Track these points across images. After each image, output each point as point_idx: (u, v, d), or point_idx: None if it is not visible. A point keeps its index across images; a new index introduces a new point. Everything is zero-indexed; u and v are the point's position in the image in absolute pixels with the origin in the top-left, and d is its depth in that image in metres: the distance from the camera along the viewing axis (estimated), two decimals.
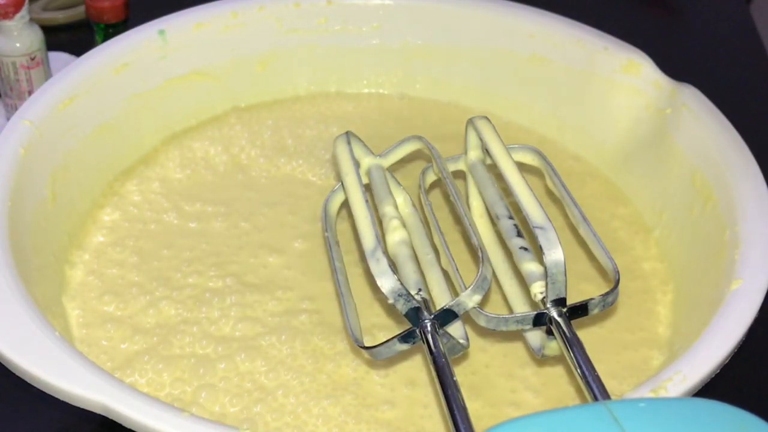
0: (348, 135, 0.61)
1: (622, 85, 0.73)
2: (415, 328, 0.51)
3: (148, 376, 0.58)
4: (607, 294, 0.52)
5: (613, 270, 0.53)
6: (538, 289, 0.53)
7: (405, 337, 0.51)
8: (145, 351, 0.60)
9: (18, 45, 0.78)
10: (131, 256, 0.67)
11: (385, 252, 0.53)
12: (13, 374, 0.51)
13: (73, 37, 0.96)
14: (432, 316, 0.51)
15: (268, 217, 0.70)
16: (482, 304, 0.52)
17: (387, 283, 0.51)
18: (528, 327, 0.52)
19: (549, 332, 0.52)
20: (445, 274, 0.56)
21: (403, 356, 0.59)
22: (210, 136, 0.77)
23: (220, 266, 0.66)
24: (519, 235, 0.56)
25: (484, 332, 0.60)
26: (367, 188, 0.59)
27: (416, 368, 0.59)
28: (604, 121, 0.75)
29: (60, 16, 0.97)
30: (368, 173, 0.61)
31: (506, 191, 0.57)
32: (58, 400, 0.50)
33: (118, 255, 0.67)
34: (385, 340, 0.52)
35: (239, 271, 0.66)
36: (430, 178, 0.61)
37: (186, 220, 0.70)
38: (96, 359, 0.59)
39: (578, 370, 0.49)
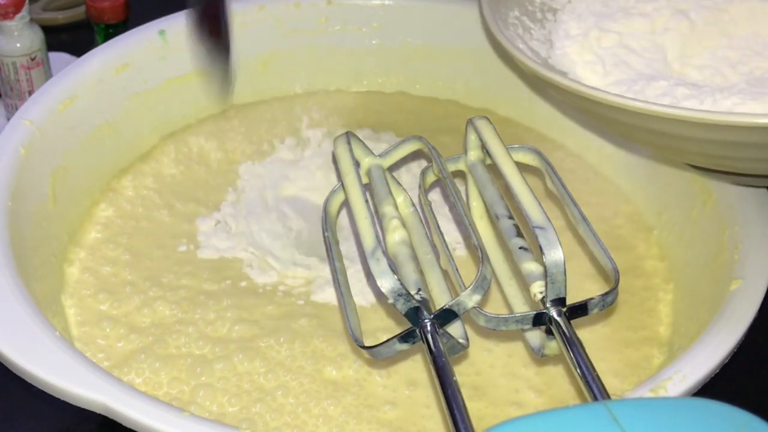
0: (348, 135, 0.61)
1: None
2: (415, 327, 0.51)
3: (145, 375, 0.58)
4: (606, 294, 0.52)
5: (613, 270, 0.53)
6: (537, 288, 0.53)
7: (405, 337, 0.51)
8: (141, 350, 0.60)
9: (18, 45, 0.78)
10: (124, 253, 0.66)
11: (385, 252, 0.53)
12: (13, 374, 0.51)
13: (73, 37, 0.96)
14: (432, 315, 0.51)
15: None
16: (482, 304, 0.52)
17: (387, 283, 0.51)
18: (528, 327, 0.52)
19: (549, 332, 0.52)
20: (445, 274, 0.56)
21: (404, 357, 0.59)
22: (206, 132, 0.77)
23: (214, 269, 0.66)
24: (519, 235, 0.56)
25: (487, 333, 0.60)
26: (368, 188, 0.59)
27: (418, 369, 0.59)
28: None
29: (60, 17, 0.97)
30: (368, 173, 0.61)
31: (506, 191, 0.57)
32: (58, 400, 0.50)
33: (111, 252, 0.67)
34: (385, 339, 0.52)
35: (234, 274, 0.65)
36: (430, 178, 0.61)
37: (178, 218, 0.70)
38: (93, 358, 0.59)
39: (578, 370, 0.49)
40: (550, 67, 0.63)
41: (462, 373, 0.59)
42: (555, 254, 0.51)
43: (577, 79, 0.61)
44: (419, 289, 0.53)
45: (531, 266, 0.54)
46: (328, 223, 0.59)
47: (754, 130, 0.52)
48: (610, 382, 0.58)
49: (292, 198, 0.72)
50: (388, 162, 0.62)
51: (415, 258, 0.55)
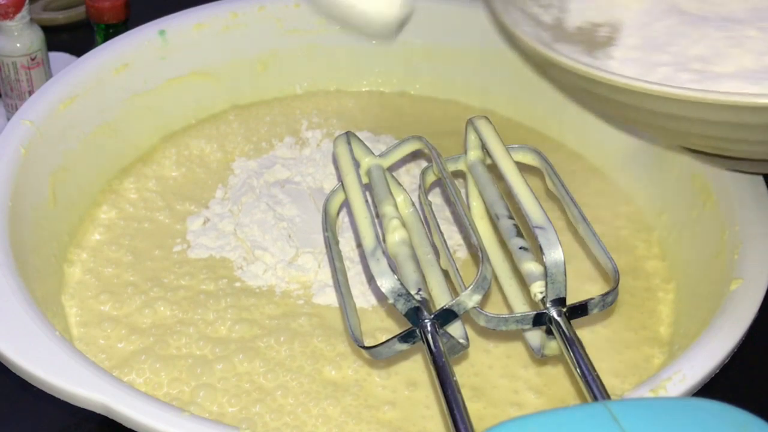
0: (348, 135, 0.61)
1: None
2: (415, 327, 0.51)
3: (145, 376, 0.58)
4: (606, 294, 0.52)
5: (613, 270, 0.53)
6: (537, 288, 0.53)
7: (405, 337, 0.51)
8: (141, 351, 0.60)
9: (18, 45, 0.78)
10: (126, 255, 0.66)
11: (386, 252, 0.53)
12: (13, 374, 0.51)
13: (73, 37, 0.96)
14: (432, 315, 0.51)
15: None
16: (482, 304, 0.52)
17: (387, 282, 0.51)
18: (528, 327, 0.52)
19: (549, 332, 0.52)
20: (445, 273, 0.56)
21: (404, 358, 0.59)
22: (207, 134, 0.77)
23: (212, 269, 0.66)
24: (519, 235, 0.56)
25: (487, 333, 0.60)
26: (368, 188, 0.59)
27: (418, 370, 0.59)
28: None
29: (60, 16, 0.97)
30: (368, 173, 0.61)
31: (506, 191, 0.57)
32: (58, 400, 0.50)
33: (113, 254, 0.67)
34: (384, 339, 0.52)
35: (233, 274, 0.65)
36: (430, 178, 0.61)
37: (179, 220, 0.70)
38: (94, 358, 0.59)
39: (578, 370, 0.49)
40: (555, 49, 0.63)
41: (461, 374, 0.59)
42: (555, 254, 0.51)
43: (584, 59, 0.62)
44: (419, 289, 0.53)
45: (531, 266, 0.54)
46: (328, 223, 0.59)
47: (754, 111, 0.52)
48: (610, 382, 0.58)
49: (285, 181, 0.72)
50: (388, 162, 0.62)
51: (415, 258, 0.55)
